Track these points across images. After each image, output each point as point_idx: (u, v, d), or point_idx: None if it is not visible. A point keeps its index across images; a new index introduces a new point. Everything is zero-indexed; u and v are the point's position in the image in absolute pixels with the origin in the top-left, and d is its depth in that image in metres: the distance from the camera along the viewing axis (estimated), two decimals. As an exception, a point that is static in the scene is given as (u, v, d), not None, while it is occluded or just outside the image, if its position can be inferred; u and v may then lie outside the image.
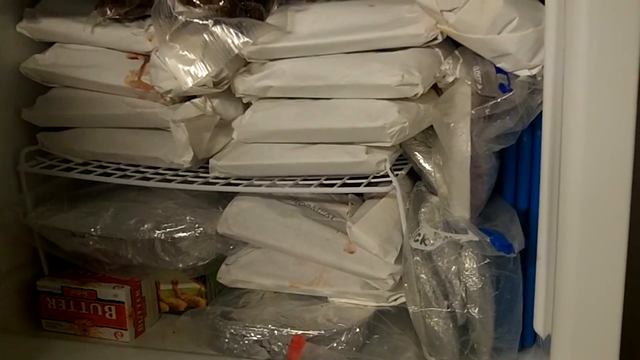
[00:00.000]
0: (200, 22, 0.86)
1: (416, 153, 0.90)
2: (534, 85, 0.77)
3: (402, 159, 0.93)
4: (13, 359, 0.98)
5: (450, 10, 0.79)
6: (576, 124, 0.66)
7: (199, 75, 0.88)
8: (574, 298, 0.70)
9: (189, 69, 0.88)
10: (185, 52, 0.88)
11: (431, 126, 0.88)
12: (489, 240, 0.77)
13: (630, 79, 0.63)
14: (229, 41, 0.86)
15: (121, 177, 0.97)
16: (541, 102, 0.76)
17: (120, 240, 0.99)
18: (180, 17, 0.86)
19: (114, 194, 1.04)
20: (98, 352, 0.99)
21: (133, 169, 1.00)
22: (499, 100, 0.77)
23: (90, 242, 1.00)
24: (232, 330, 0.93)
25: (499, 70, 0.80)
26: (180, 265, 0.99)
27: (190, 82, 0.88)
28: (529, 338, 0.90)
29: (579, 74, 0.65)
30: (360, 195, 0.98)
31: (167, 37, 0.88)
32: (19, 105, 1.04)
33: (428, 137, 0.91)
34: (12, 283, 1.04)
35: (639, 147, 0.67)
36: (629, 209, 0.67)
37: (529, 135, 0.83)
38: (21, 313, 1.05)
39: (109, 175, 0.98)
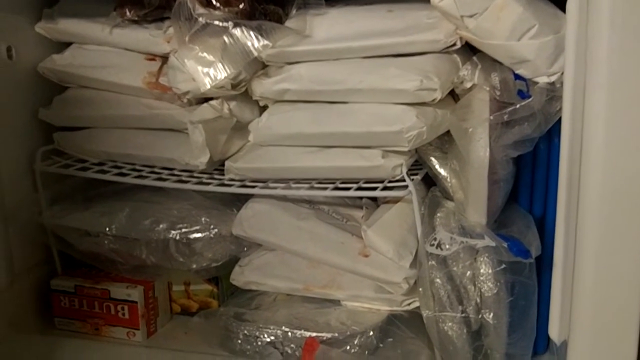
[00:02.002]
0: (220, 24, 0.87)
1: (432, 158, 0.91)
2: (553, 92, 0.77)
3: (417, 165, 0.93)
4: (26, 357, 0.98)
5: (470, 16, 0.79)
6: (597, 132, 0.67)
7: (218, 78, 0.88)
8: (592, 304, 0.70)
9: (207, 70, 0.88)
10: (204, 54, 0.89)
11: (447, 132, 0.89)
12: (506, 245, 0.77)
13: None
14: (248, 44, 0.86)
15: (137, 177, 0.98)
16: (559, 109, 0.76)
17: (135, 240, 1.00)
18: (200, 19, 0.87)
19: (129, 195, 1.04)
20: (110, 351, 1.00)
21: (148, 169, 1.00)
22: (517, 106, 0.77)
23: (105, 242, 1.01)
24: (245, 332, 0.93)
25: (517, 76, 0.81)
26: (194, 266, 0.99)
27: (208, 83, 0.88)
28: (541, 345, 0.90)
29: (601, 81, 0.66)
30: (374, 200, 0.99)
31: (187, 39, 0.89)
32: (36, 105, 1.05)
33: (444, 142, 0.91)
34: (26, 282, 1.05)
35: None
36: None
37: (546, 142, 0.83)
38: (34, 312, 1.06)
39: (125, 175, 0.99)
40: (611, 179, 0.67)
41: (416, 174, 0.91)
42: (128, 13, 0.97)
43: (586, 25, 0.67)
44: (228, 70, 0.88)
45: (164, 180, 0.97)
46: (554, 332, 0.79)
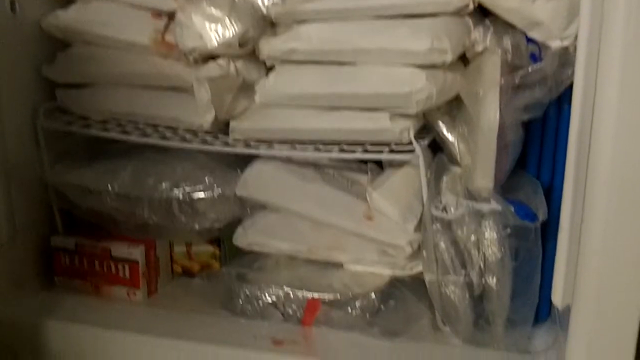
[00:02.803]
0: (230, -20, 0.86)
1: (440, 123, 0.90)
2: (566, 57, 0.77)
3: (425, 130, 0.92)
4: (26, 314, 0.98)
5: (484, -23, 0.78)
6: (610, 98, 0.65)
7: (226, 35, 0.87)
8: (598, 269, 0.70)
9: (215, 27, 0.87)
10: (212, 11, 0.87)
11: (455, 97, 0.88)
12: (512, 209, 0.77)
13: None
14: (258, 1, 0.85)
15: (140, 135, 0.98)
16: (571, 74, 0.75)
17: (137, 198, 0.99)
18: (209, -25, 0.86)
19: (132, 153, 1.04)
20: (111, 309, 1.00)
21: (152, 129, 1.00)
22: (529, 70, 0.77)
23: (107, 200, 1.00)
24: (247, 292, 0.94)
25: (529, 40, 0.81)
26: (197, 227, 0.99)
27: (215, 40, 0.88)
28: (543, 313, 0.91)
29: (616, 47, 0.64)
30: (379, 165, 0.99)
31: (195, -5, 0.88)
32: (39, 61, 1.04)
33: (452, 107, 0.91)
34: (27, 239, 1.04)
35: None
36: None
37: (556, 108, 0.83)
38: (35, 269, 1.06)
39: (128, 134, 0.98)
40: (623, 145, 0.66)
41: (424, 139, 0.90)
42: (135, -32, 0.95)
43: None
44: (236, 28, 0.87)
45: (168, 139, 0.96)
46: (558, 297, 0.79)
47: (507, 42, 0.80)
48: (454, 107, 0.90)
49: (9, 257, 1.00)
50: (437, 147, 0.93)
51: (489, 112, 0.77)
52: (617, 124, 0.66)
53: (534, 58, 0.78)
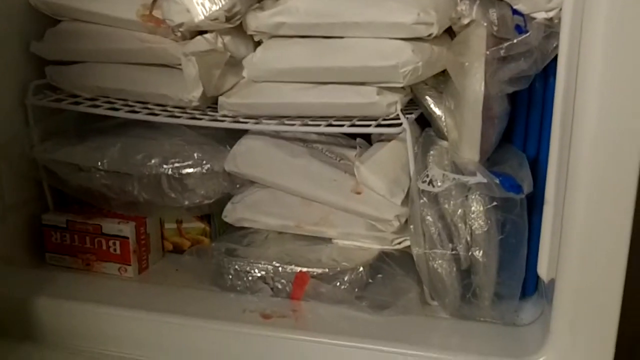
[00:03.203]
0: (216, -47, 0.86)
1: (427, 97, 0.91)
2: (551, 29, 0.77)
3: (412, 105, 0.93)
4: (18, 291, 0.98)
5: (469, -51, 0.78)
6: (593, 70, 0.66)
7: (212, 9, 0.88)
8: (581, 242, 0.71)
9: (202, 1, 0.88)
10: (199, -16, 0.87)
11: (442, 72, 0.88)
12: (497, 181, 0.78)
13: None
14: (244, -26, 0.85)
15: (129, 112, 0.98)
16: (556, 46, 0.75)
17: (127, 175, 1.00)
18: (195, -52, 0.86)
19: (121, 130, 1.04)
20: (102, 285, 1.01)
21: (141, 105, 1.00)
22: (514, 41, 0.77)
23: (97, 177, 1.01)
24: (236, 267, 0.94)
25: (515, 12, 0.81)
26: (186, 203, 0.99)
27: (202, 14, 0.88)
28: (530, 287, 0.91)
29: (599, 18, 0.64)
30: (367, 139, 0.99)
31: (181, -31, 0.88)
32: (28, 38, 1.04)
33: (439, 82, 0.91)
34: (17, 216, 1.05)
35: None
36: (638, 158, 0.67)
37: (542, 81, 0.83)
38: (26, 246, 1.07)
39: (117, 110, 0.98)
40: (605, 119, 0.67)
41: (411, 113, 0.91)
42: (122, -57, 0.95)
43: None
44: (223, 2, 0.87)
45: (157, 115, 0.96)
46: (543, 270, 0.80)
47: (493, 14, 0.80)
48: (441, 81, 0.90)
49: (0, 235, 1.01)
50: (425, 122, 0.93)
51: (475, 84, 0.78)
52: (600, 96, 0.66)
53: (520, 30, 0.78)
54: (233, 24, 0.91)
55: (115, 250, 1.02)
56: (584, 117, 0.68)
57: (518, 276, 0.86)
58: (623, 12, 0.63)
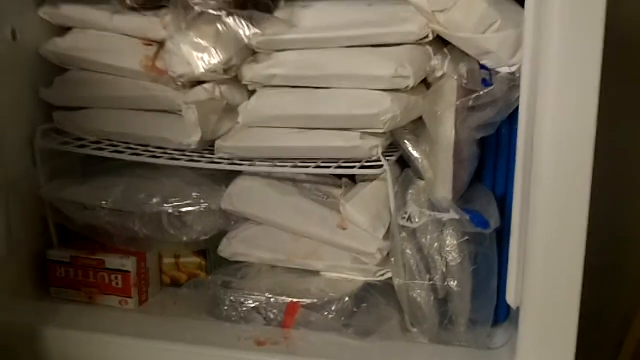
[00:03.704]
0: (214, 13, 0.94)
1: (406, 141, 0.98)
2: (513, 82, 0.85)
3: (393, 148, 1.00)
4: (24, 322, 1.03)
5: (440, 11, 0.87)
6: (545, 118, 0.74)
7: (211, 62, 0.95)
8: (541, 272, 0.78)
9: (202, 55, 0.95)
10: (199, 40, 0.95)
11: (420, 118, 0.96)
12: (468, 218, 0.86)
13: (593, 81, 0.71)
14: (240, 32, 0.93)
15: (132, 154, 1.04)
16: (519, 97, 0.84)
17: (129, 213, 1.06)
18: (196, 8, 0.94)
19: (124, 171, 1.10)
20: (104, 316, 1.06)
21: (143, 148, 1.06)
22: (481, 93, 0.85)
23: (101, 215, 1.07)
24: (231, 298, 1.00)
25: (482, 66, 0.88)
26: (185, 239, 1.05)
27: (202, 67, 0.95)
28: (502, 314, 0.98)
29: (551, 74, 0.73)
30: (352, 178, 1.06)
31: (183, 26, 0.96)
32: (38, 85, 1.10)
33: (417, 127, 0.98)
34: (24, 251, 1.10)
35: (599, 140, 0.75)
36: (589, 194, 0.75)
37: (507, 127, 0.91)
38: (31, 280, 1.12)
39: (121, 153, 1.05)
40: (558, 159, 0.74)
41: (392, 156, 0.98)
42: (128, 1, 1.02)
43: (540, 22, 0.75)
44: (221, 56, 0.95)
45: (158, 157, 1.03)
46: (511, 298, 0.87)
47: (463, 68, 0.87)
48: (419, 126, 0.97)
49: (8, 268, 1.06)
50: (404, 162, 1.01)
51: (447, 131, 0.86)
52: (553, 139, 0.74)
53: (486, 83, 0.86)
54: (230, 75, 0.98)
55: (117, 283, 1.08)
56: (540, 158, 0.76)
57: (490, 304, 0.93)
58: (569, 70, 0.72)
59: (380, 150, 0.95)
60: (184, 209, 1.04)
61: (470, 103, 0.85)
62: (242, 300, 1.00)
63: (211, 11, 0.94)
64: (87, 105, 1.10)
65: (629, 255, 1.28)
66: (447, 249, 0.91)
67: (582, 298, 0.78)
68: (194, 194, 1.04)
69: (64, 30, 1.11)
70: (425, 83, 0.98)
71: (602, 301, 1.23)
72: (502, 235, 0.92)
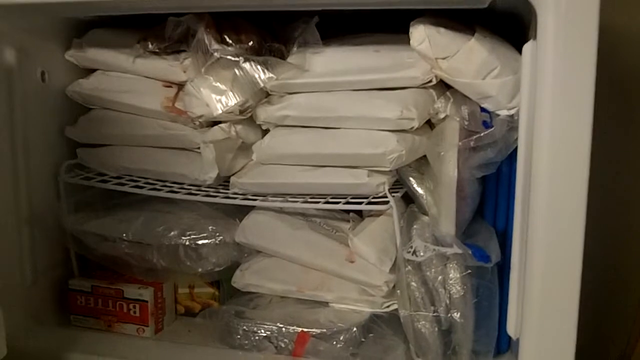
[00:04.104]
0: (232, 58, 1.00)
1: (411, 178, 1.03)
2: (512, 124, 0.89)
3: (398, 184, 1.05)
4: (45, 348, 1.08)
5: (443, 58, 0.92)
6: (541, 157, 0.79)
7: (228, 104, 1.01)
8: (538, 303, 0.82)
9: (220, 98, 1.01)
10: (217, 84, 1.02)
11: (424, 156, 1.01)
12: (470, 252, 0.90)
13: (586, 125, 0.76)
14: (256, 76, 0.99)
15: (151, 189, 1.09)
16: (517, 138, 0.89)
17: (148, 245, 1.11)
18: (215, 54, 1.00)
19: (144, 205, 1.16)
20: (122, 343, 1.10)
21: (161, 183, 1.11)
22: (482, 134, 0.89)
23: (121, 246, 1.12)
24: (244, 327, 1.04)
25: (483, 109, 0.93)
26: (200, 270, 1.10)
27: (220, 109, 1.01)
28: (504, 345, 1.01)
29: (546, 118, 0.78)
30: (360, 213, 1.11)
31: (202, 70, 1.02)
32: (63, 123, 1.16)
33: (421, 165, 1.03)
34: (47, 281, 1.15)
35: (594, 179, 0.79)
36: (583, 229, 0.79)
37: (508, 165, 0.95)
38: (53, 308, 1.17)
39: (141, 187, 1.10)
40: (553, 196, 0.79)
41: (397, 192, 1.03)
42: (150, 45, 1.08)
43: (535, 70, 0.80)
44: (237, 98, 1.01)
45: (176, 192, 1.08)
46: (511, 329, 0.90)
47: (465, 110, 0.92)
48: (423, 164, 1.02)
49: (31, 296, 1.11)
50: (409, 198, 1.05)
51: (449, 170, 0.90)
52: (548, 178, 0.78)
53: (486, 125, 0.90)
54: (245, 116, 1.04)
55: (135, 312, 1.12)
56: (536, 195, 0.80)
57: (492, 335, 0.96)
58: (562, 116, 0.77)
59: (386, 187, 1.00)
60: (200, 242, 1.09)
61: (472, 144, 0.89)
62: (255, 329, 1.04)
63: (229, 57, 0.99)
64: (110, 143, 1.15)
65: (625, 286, 1.31)
66: (451, 281, 0.94)
67: (580, 329, 0.82)
68: (209, 228, 1.09)
69: (88, 71, 1.17)
70: (429, 123, 1.03)
71: (600, 332, 1.27)
72: (504, 268, 0.95)
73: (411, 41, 0.92)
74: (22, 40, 1.06)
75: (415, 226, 0.99)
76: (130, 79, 1.13)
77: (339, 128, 1.01)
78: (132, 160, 1.13)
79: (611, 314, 1.31)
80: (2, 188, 1.06)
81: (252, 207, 1.11)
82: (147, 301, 1.12)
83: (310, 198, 1.03)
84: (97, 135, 1.16)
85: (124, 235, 1.11)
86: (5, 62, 1.04)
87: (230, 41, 1.00)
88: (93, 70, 1.17)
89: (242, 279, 1.10)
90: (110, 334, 1.14)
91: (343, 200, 1.01)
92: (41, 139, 1.12)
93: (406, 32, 0.93)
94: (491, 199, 0.99)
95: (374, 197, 1.01)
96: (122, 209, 1.16)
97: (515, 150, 0.89)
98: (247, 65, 1.00)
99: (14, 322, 1.05)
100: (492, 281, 0.94)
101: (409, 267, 0.96)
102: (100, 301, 1.15)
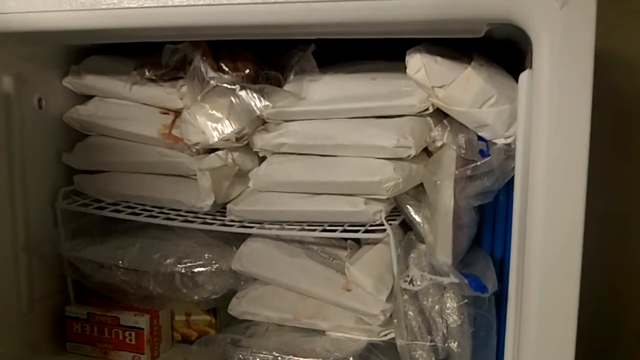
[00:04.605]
0: (228, 86, 1.00)
1: (408, 206, 1.03)
2: (509, 152, 0.88)
3: (396, 211, 1.05)
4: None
5: (440, 87, 0.92)
6: (537, 186, 0.78)
7: (225, 132, 1.01)
8: (535, 334, 0.81)
9: (216, 125, 1.01)
10: (214, 111, 1.02)
11: (421, 183, 1.01)
12: (467, 282, 0.89)
13: (582, 151, 0.76)
14: (252, 104, 1.00)
15: (148, 216, 1.09)
16: (514, 167, 0.88)
17: (144, 272, 1.10)
18: (211, 82, 1.00)
19: (140, 232, 1.15)
20: (118, 372, 1.10)
21: (158, 210, 1.11)
22: (479, 163, 0.89)
23: (117, 273, 1.11)
24: (240, 356, 1.04)
25: (480, 138, 0.93)
26: (196, 297, 1.10)
27: (216, 136, 1.01)
28: (502, 374, 1.01)
29: (540, 144, 0.78)
30: (357, 241, 1.11)
31: (199, 98, 1.03)
32: (60, 150, 1.17)
33: (419, 192, 1.03)
34: (43, 308, 1.16)
35: (591, 205, 0.79)
36: (580, 258, 0.78)
37: (505, 194, 0.94)
38: (49, 335, 1.17)
39: (137, 214, 1.10)
40: (550, 225, 0.78)
41: (395, 220, 1.02)
42: (147, 72, 1.08)
43: (531, 99, 0.79)
44: (233, 126, 1.01)
45: (173, 219, 1.08)
46: (509, 359, 0.90)
47: (462, 139, 0.91)
48: (420, 192, 1.02)
49: (28, 324, 1.11)
50: (407, 225, 1.05)
51: (446, 199, 0.90)
52: (544, 206, 0.78)
53: (483, 154, 0.90)
54: (242, 143, 1.04)
55: (131, 340, 1.12)
56: (533, 224, 0.80)
57: (489, 364, 0.97)
58: (559, 145, 0.77)
59: (383, 215, 0.99)
60: (196, 270, 1.08)
61: (469, 172, 0.89)
62: (251, 358, 1.04)
63: (225, 85, 1.00)
64: (106, 169, 1.16)
65: (625, 316, 1.30)
66: (448, 311, 0.94)
67: (578, 359, 0.81)
68: (206, 255, 1.09)
69: (86, 98, 1.18)
70: (427, 151, 1.03)
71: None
72: (502, 297, 0.94)
73: (407, 70, 0.93)
74: (19, 67, 1.07)
75: (412, 255, 0.99)
76: (128, 105, 1.14)
77: (335, 156, 1.01)
78: (129, 187, 1.13)
79: (610, 344, 1.30)
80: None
81: (249, 235, 1.11)
82: (142, 329, 1.12)
83: (307, 225, 1.03)
84: (94, 162, 1.16)
85: (120, 262, 1.11)
86: (2, 89, 1.05)
87: (227, 69, 1.01)
88: (90, 97, 1.18)
89: (238, 307, 1.10)
90: (107, 362, 1.13)
91: (340, 228, 1.01)
92: (38, 165, 1.13)
93: (403, 59, 0.94)
94: (488, 227, 0.98)
95: (371, 225, 1.00)
96: (119, 236, 1.16)
97: (513, 178, 0.88)
98: (243, 93, 1.00)
99: (11, 350, 1.06)
100: (489, 311, 0.93)
101: (406, 296, 0.96)
102: (96, 328, 1.15)
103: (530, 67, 0.79)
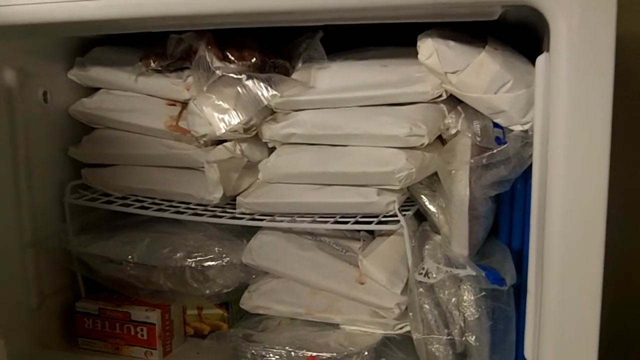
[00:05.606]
0: (235, 76, 0.98)
1: (422, 196, 1.00)
2: (526, 139, 0.86)
3: (410, 201, 1.03)
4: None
5: (453, 72, 0.89)
6: (557, 174, 0.75)
7: (232, 123, 0.99)
8: (555, 327, 0.79)
9: (222, 116, 0.99)
10: (220, 102, 0.99)
11: (436, 172, 0.98)
12: (484, 274, 0.87)
13: (604, 137, 0.73)
14: (259, 93, 0.97)
15: (157, 210, 1.08)
16: (532, 154, 0.85)
17: (154, 267, 1.09)
18: (217, 72, 0.98)
19: (149, 226, 1.14)
20: (130, 368, 1.09)
21: (167, 203, 1.10)
22: (494, 151, 0.86)
23: (126, 268, 1.10)
24: (252, 351, 1.02)
25: (495, 124, 0.90)
26: (207, 292, 1.08)
27: (223, 128, 0.99)
28: (521, 368, 0.98)
29: (560, 131, 0.75)
30: (371, 232, 1.08)
31: (205, 88, 1.00)
32: (66, 144, 1.15)
33: (433, 182, 1.00)
34: (53, 304, 1.15)
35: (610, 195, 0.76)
36: (603, 248, 0.75)
37: (523, 183, 0.92)
38: (60, 331, 1.16)
39: (146, 208, 1.08)
40: (570, 214, 0.75)
41: (409, 210, 1.00)
42: (152, 63, 1.06)
43: (549, 83, 0.76)
44: (241, 117, 0.99)
45: (182, 213, 1.06)
46: (529, 353, 0.87)
47: (477, 126, 0.89)
48: (435, 181, 0.99)
49: (38, 320, 1.11)
50: (421, 215, 1.03)
51: (461, 189, 0.87)
52: (564, 196, 0.75)
53: (499, 141, 0.87)
54: (250, 134, 1.02)
55: (142, 335, 1.11)
56: (553, 213, 0.77)
57: (508, 358, 0.93)
58: (579, 131, 0.74)
59: (396, 206, 0.97)
60: (206, 263, 1.07)
61: (484, 161, 0.86)
62: (263, 353, 1.02)
63: (232, 74, 0.97)
64: (114, 163, 1.14)
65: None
66: (465, 304, 0.91)
67: (600, 352, 0.78)
68: (216, 249, 1.07)
69: (91, 90, 1.16)
70: (441, 138, 1.00)
71: (618, 355, 1.22)
72: (520, 288, 0.92)
73: (419, 55, 0.90)
74: (23, 61, 1.06)
75: (427, 246, 0.96)
76: (134, 97, 1.12)
77: (346, 146, 0.99)
78: (137, 180, 1.12)
79: (634, 337, 1.26)
80: (6, 211, 1.05)
81: (260, 228, 1.09)
82: (154, 324, 1.10)
83: (319, 217, 1.01)
84: (101, 155, 1.15)
85: (129, 257, 1.09)
86: (6, 83, 1.03)
87: (233, 58, 0.98)
88: (96, 89, 1.16)
89: (250, 301, 1.08)
90: (118, 358, 1.12)
91: (352, 220, 0.99)
92: (44, 160, 1.12)
93: (414, 44, 0.91)
94: (505, 218, 0.96)
95: (384, 216, 0.98)
96: (127, 230, 1.15)
97: (530, 167, 0.86)
98: (250, 83, 0.97)
99: (21, 347, 1.05)
100: (508, 303, 0.91)
101: (421, 289, 0.93)
102: (107, 324, 1.13)
103: (548, 50, 0.76)
